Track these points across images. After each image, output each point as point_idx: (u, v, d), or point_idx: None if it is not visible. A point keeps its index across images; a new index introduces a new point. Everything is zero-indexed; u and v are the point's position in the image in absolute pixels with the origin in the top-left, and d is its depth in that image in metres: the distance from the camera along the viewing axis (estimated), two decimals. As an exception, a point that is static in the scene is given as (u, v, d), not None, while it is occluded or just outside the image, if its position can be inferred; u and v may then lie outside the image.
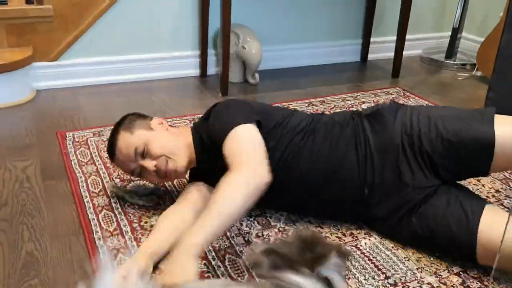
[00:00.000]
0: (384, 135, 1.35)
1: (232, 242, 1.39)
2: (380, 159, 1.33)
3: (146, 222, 1.47)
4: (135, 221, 1.48)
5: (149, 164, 1.39)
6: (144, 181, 1.69)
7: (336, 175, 1.35)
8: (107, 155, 1.59)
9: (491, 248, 1.18)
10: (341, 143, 1.37)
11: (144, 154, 1.39)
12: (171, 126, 1.52)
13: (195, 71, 2.79)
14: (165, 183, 1.68)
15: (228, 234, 1.43)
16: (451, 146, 1.28)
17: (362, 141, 1.36)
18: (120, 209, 1.53)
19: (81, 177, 1.71)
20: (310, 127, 1.41)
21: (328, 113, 1.59)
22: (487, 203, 1.29)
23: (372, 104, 2.05)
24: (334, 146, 1.36)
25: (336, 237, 1.42)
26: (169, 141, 1.42)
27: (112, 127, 1.50)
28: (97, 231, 1.42)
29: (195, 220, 1.18)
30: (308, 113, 1.53)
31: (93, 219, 1.48)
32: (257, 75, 2.68)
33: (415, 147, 1.31)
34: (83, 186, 1.65)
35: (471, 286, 1.24)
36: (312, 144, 1.37)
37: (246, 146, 1.29)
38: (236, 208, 1.16)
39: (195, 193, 1.45)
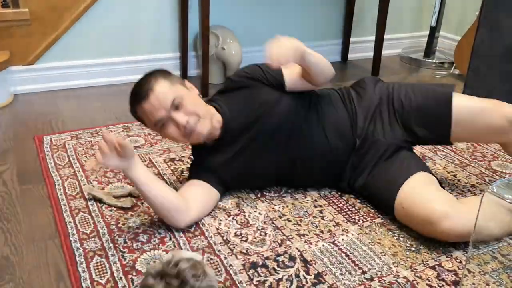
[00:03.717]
0: (366, 97, 1.60)
1: (210, 241, 1.39)
2: (364, 117, 1.57)
3: (123, 224, 1.46)
4: (112, 223, 1.47)
5: (182, 118, 1.40)
6: (122, 183, 1.68)
7: (335, 127, 1.55)
8: (84, 157, 1.57)
9: (406, 206, 1.39)
10: (336, 105, 1.59)
11: (179, 107, 1.41)
12: None
13: (176, 73, 2.77)
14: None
15: (207, 233, 1.42)
16: (418, 106, 1.54)
17: (349, 103, 1.60)
18: (97, 211, 1.52)
19: (58, 180, 1.69)
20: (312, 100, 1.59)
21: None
22: (427, 171, 1.50)
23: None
24: (331, 108, 1.58)
25: (314, 234, 1.43)
26: (201, 104, 1.48)
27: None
28: (73, 234, 1.41)
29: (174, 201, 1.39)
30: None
31: (70, 222, 1.47)
32: (237, 76, 2.68)
33: (389, 106, 1.57)
34: (60, 189, 1.64)
35: (446, 279, 1.25)
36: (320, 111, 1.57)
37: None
38: (326, 64, 1.50)
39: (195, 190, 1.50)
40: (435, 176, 1.50)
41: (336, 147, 1.55)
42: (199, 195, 1.48)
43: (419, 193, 1.38)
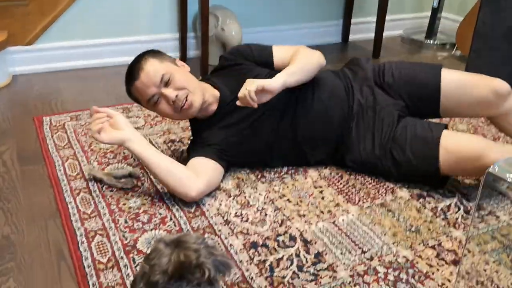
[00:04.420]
0: (360, 73, 1.66)
1: (211, 221, 1.40)
2: (359, 89, 1.62)
3: (124, 204, 1.46)
4: (113, 203, 1.47)
5: (171, 93, 1.46)
6: (122, 164, 1.68)
7: (331, 95, 1.60)
8: (90, 142, 1.56)
9: (452, 150, 1.44)
10: (330, 78, 1.66)
11: (168, 83, 1.46)
12: None
13: (175, 54, 2.75)
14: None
15: (207, 214, 1.43)
16: (409, 78, 1.61)
17: (345, 79, 1.65)
18: (97, 192, 1.52)
19: (58, 161, 1.69)
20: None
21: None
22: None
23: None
24: (326, 81, 1.64)
25: (315, 214, 1.43)
26: (192, 79, 1.53)
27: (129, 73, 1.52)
28: (74, 214, 1.41)
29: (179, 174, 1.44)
30: None
31: (70, 202, 1.47)
32: (237, 57, 2.67)
33: (381, 79, 1.63)
34: (60, 170, 1.63)
35: (445, 258, 1.26)
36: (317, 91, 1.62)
37: (294, 46, 1.62)
38: (310, 66, 1.54)
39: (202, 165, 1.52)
40: None
41: (334, 114, 1.59)
42: (204, 168, 1.49)
43: (461, 137, 1.50)
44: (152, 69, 1.46)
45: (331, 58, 2.87)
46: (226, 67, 1.65)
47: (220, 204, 1.47)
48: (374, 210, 1.45)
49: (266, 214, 1.43)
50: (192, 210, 1.44)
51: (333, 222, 1.40)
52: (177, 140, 1.86)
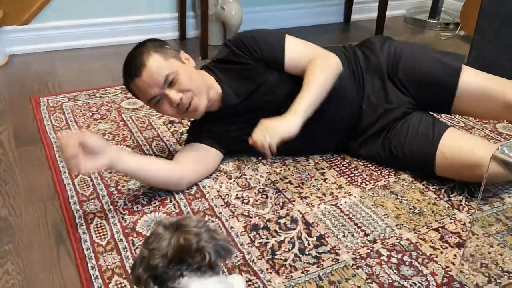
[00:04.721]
0: (373, 60, 1.53)
1: (211, 204, 1.38)
2: (371, 81, 1.52)
3: (123, 186, 1.44)
4: (112, 185, 1.45)
5: (175, 95, 1.32)
6: (121, 146, 1.65)
7: (338, 93, 1.45)
8: (88, 123, 1.53)
9: (450, 157, 1.38)
10: (345, 82, 1.49)
11: (172, 84, 1.32)
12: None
13: (174, 34, 2.71)
14: (142, 147, 1.65)
15: (207, 196, 1.41)
16: (425, 77, 1.49)
17: (356, 66, 1.53)
18: (96, 174, 1.50)
19: (56, 142, 1.66)
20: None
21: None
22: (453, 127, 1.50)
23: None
24: (342, 87, 1.48)
25: (316, 196, 1.41)
26: (198, 78, 1.39)
27: (134, 51, 1.36)
28: (73, 196, 1.39)
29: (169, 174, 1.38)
30: None
31: (69, 184, 1.45)
32: (237, 37, 2.62)
33: (393, 73, 1.51)
34: (58, 151, 1.61)
35: (449, 241, 1.24)
36: None
37: (309, 44, 1.49)
38: (326, 84, 1.39)
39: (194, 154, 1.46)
40: None
41: (342, 119, 1.51)
42: (196, 156, 1.46)
43: (461, 142, 1.39)
44: (156, 67, 1.30)
45: (333, 38, 2.83)
46: (231, 62, 1.46)
47: (221, 186, 1.45)
48: (377, 192, 1.43)
49: (267, 196, 1.41)
50: (192, 192, 1.42)
51: (335, 205, 1.38)
52: (177, 121, 1.83)
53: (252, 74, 1.45)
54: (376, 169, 1.53)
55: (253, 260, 1.17)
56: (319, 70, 1.40)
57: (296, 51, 1.45)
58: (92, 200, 1.38)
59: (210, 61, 1.55)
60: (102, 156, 1.20)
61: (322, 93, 1.38)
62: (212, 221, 1.30)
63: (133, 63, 1.33)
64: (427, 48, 1.68)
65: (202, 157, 1.47)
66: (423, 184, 1.46)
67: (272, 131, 1.30)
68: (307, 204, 1.37)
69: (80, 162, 1.16)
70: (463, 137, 1.44)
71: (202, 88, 1.38)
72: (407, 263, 1.17)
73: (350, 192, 1.43)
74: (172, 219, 0.85)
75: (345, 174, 1.51)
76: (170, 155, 1.59)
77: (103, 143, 1.23)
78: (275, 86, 1.46)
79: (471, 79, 1.47)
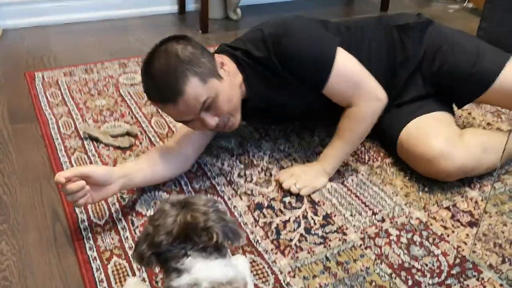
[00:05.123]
0: (409, 48, 1.37)
1: (213, 182, 1.33)
2: (404, 68, 1.38)
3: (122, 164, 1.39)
4: (110, 163, 1.40)
5: (212, 120, 1.16)
6: (119, 122, 1.60)
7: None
8: (85, 99, 1.46)
9: (405, 144, 1.31)
10: (377, 48, 1.38)
11: (209, 108, 1.15)
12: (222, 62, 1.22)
13: (173, 8, 2.63)
14: (141, 123, 1.59)
15: (209, 174, 1.36)
16: (458, 78, 1.35)
17: (392, 50, 1.38)
18: (93, 151, 1.45)
19: (51, 118, 1.61)
20: (353, 36, 1.37)
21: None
22: (448, 112, 1.39)
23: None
24: (372, 50, 1.37)
25: (322, 174, 1.36)
26: (234, 94, 1.20)
27: (157, 55, 1.13)
28: (69, 174, 1.34)
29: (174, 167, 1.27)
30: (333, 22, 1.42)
31: (65, 161, 1.40)
32: (239, 10, 2.54)
33: (426, 68, 1.37)
34: (54, 128, 1.55)
35: (461, 220, 1.20)
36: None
37: (356, 78, 1.25)
38: (363, 135, 1.30)
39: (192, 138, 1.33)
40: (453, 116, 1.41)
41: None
42: (196, 133, 1.38)
43: (422, 130, 1.29)
44: (194, 95, 1.11)
45: (337, 11, 2.75)
46: (269, 68, 1.25)
47: (223, 164, 1.40)
48: (384, 170, 1.38)
49: (271, 175, 1.36)
50: (194, 170, 1.37)
51: (342, 182, 1.33)
52: (177, 97, 1.76)
53: (287, 90, 1.28)
54: (384, 146, 1.48)
55: (257, 240, 1.13)
56: (358, 124, 1.27)
57: (340, 87, 1.24)
58: (90, 179, 1.32)
59: (241, 46, 1.28)
60: (109, 189, 1.12)
61: (356, 145, 1.35)
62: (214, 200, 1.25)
63: (165, 85, 1.11)
64: (471, 41, 1.43)
65: (202, 134, 1.40)
66: (433, 161, 1.41)
67: (303, 182, 1.27)
68: (313, 182, 1.32)
69: (89, 197, 1.08)
70: (432, 124, 1.31)
71: (238, 105, 1.23)
72: (417, 243, 1.12)
73: (357, 170, 1.38)
74: (179, 197, 0.80)
75: (351, 151, 1.46)
76: (169, 132, 1.54)
77: (104, 172, 1.11)
78: (302, 101, 1.33)
79: (507, 83, 1.33)
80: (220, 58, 1.22)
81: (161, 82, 1.12)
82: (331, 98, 1.27)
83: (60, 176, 1.04)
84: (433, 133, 1.26)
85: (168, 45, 1.14)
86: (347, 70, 1.24)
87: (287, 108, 1.35)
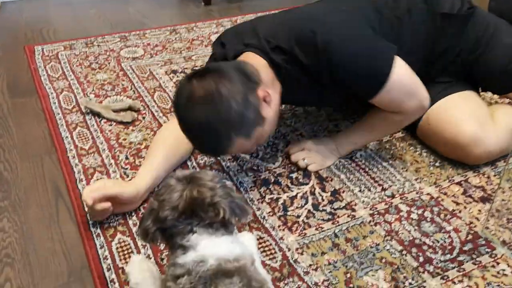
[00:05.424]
0: (451, 39, 1.28)
1: (219, 157, 1.29)
2: (441, 57, 1.30)
3: (124, 139, 1.36)
4: (112, 138, 1.36)
5: (250, 150, 1.14)
6: (121, 97, 1.56)
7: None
8: (86, 73, 1.43)
9: (432, 123, 1.26)
10: (419, 34, 1.26)
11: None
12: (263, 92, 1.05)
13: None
14: (144, 98, 1.55)
15: (214, 149, 1.32)
16: (495, 71, 1.29)
17: (432, 39, 1.27)
18: (95, 126, 1.41)
19: (52, 93, 1.57)
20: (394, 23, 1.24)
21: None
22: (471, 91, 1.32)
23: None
24: (413, 35, 1.25)
25: (330, 149, 1.32)
26: (276, 121, 1.12)
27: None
28: (71, 150, 1.31)
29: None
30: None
31: (67, 137, 1.37)
32: (242, -19, 2.47)
33: (464, 56, 1.29)
34: (55, 103, 1.52)
35: (473, 195, 1.17)
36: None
37: (408, 88, 1.14)
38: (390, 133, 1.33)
39: None
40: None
41: None
42: None
43: (452, 112, 1.23)
44: (237, 149, 1.05)
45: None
46: (309, 74, 1.12)
47: (228, 139, 1.36)
48: (394, 144, 1.34)
49: (277, 150, 1.32)
50: (198, 145, 1.34)
51: (350, 158, 1.29)
52: (179, 71, 1.72)
53: (316, 91, 1.18)
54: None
55: (264, 216, 1.10)
56: (393, 127, 1.27)
57: (390, 96, 1.12)
58: (92, 154, 1.30)
59: (286, 47, 1.11)
60: (131, 207, 1.10)
61: (377, 138, 1.33)
62: (220, 176, 1.22)
63: (207, 142, 1.02)
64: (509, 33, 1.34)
65: None
66: (444, 136, 1.37)
67: (312, 159, 1.24)
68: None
69: (110, 212, 1.06)
70: (461, 105, 1.25)
71: (274, 129, 1.17)
72: (428, 219, 1.09)
73: (365, 145, 1.34)
74: (186, 172, 0.78)
75: (360, 125, 1.42)
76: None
77: (137, 192, 1.08)
78: (325, 99, 1.26)
79: None
80: (263, 94, 1.04)
81: (202, 139, 1.03)
82: (377, 105, 1.16)
83: (89, 198, 1.01)
84: (465, 117, 1.21)
85: (206, 90, 0.96)
86: (402, 83, 1.12)
87: (306, 104, 1.34)
